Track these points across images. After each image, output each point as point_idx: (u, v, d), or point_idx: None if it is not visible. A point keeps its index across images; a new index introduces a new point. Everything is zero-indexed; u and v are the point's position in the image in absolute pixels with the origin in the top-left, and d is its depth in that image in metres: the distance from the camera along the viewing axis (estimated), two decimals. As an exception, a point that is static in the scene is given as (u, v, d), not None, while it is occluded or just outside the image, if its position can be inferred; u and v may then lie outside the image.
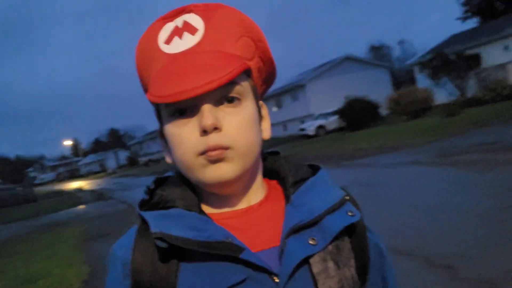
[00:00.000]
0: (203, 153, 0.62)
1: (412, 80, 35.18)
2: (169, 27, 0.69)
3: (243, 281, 0.62)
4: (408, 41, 76.87)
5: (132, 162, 60.56)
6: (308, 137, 27.67)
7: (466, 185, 6.56)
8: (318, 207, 0.68)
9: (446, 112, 17.28)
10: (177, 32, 0.68)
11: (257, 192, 0.74)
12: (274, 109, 37.80)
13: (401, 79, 51.15)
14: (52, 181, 78.65)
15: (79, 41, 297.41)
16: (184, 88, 0.58)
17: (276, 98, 37.33)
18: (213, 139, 0.62)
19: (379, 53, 65.50)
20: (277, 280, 0.62)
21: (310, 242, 0.65)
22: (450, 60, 22.88)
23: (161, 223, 0.64)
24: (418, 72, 26.74)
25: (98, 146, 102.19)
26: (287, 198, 0.72)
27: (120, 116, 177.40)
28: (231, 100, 0.65)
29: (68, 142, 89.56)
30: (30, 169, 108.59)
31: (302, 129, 29.01)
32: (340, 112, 25.54)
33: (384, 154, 12.25)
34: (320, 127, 28.17)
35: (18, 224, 14.29)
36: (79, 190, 31.06)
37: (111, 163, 76.58)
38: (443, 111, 17.66)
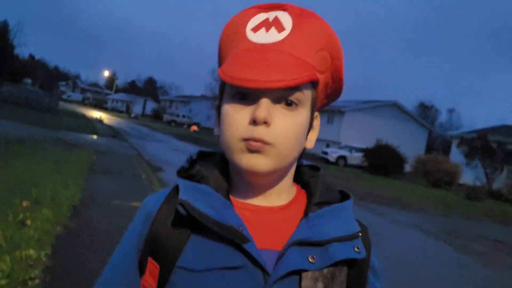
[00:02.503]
0: (246, 139, 0.67)
1: (446, 151, 34.71)
2: (261, 17, 0.73)
3: (239, 267, 0.68)
4: (457, 112, 75.51)
5: (157, 115, 61.10)
6: (328, 162, 27.55)
7: (465, 270, 6.50)
8: (330, 232, 0.71)
9: (470, 194, 17.05)
10: (266, 24, 0.72)
11: (283, 195, 0.78)
12: (307, 122, 37.68)
13: (436, 145, 50.39)
14: (78, 102, 79.85)
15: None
16: (254, 77, 0.63)
17: (313, 114, 37.11)
18: (259, 131, 0.66)
19: (425, 112, 64.79)
20: (266, 278, 0.68)
21: (309, 259, 0.69)
22: (490, 147, 22.56)
23: (190, 193, 0.72)
24: (456, 146, 26.42)
25: (132, 87, 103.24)
26: (306, 213, 0.75)
27: (163, 70, 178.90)
28: (289, 103, 0.69)
29: (106, 73, 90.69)
30: (62, 83, 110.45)
31: (325, 153, 28.90)
32: (367, 152, 25.41)
33: (392, 208, 12.15)
34: (342, 157, 28.02)
35: (33, 129, 14.55)
36: (99, 121, 31.50)
37: (137, 109, 77.33)
38: (466, 192, 17.44)
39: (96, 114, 42.20)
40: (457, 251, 7.75)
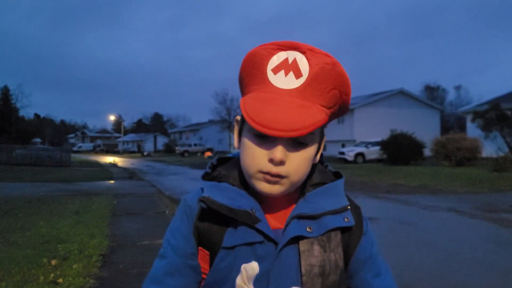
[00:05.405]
0: (264, 172, 0.82)
1: (461, 128, 34.24)
2: (280, 56, 0.83)
3: (256, 242, 0.87)
4: (465, 88, 74.64)
5: (169, 149, 61.44)
6: (346, 162, 27.33)
7: (507, 245, 6.26)
8: (323, 207, 0.90)
9: (494, 166, 16.67)
10: (285, 67, 0.82)
11: None
12: (317, 127, 37.47)
13: (451, 124, 49.86)
14: (89, 151, 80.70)
15: (154, 27, 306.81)
16: (276, 127, 0.74)
17: (321, 117, 36.89)
18: (276, 169, 0.81)
19: (433, 94, 64.24)
20: (275, 246, 0.87)
21: (307, 229, 0.87)
22: (505, 115, 22.14)
23: (212, 191, 0.90)
24: (470, 121, 25.94)
25: (139, 127, 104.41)
26: (303, 193, 0.93)
27: (168, 103, 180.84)
28: (300, 143, 0.83)
29: (112, 117, 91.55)
30: (71, 135, 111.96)
31: (342, 153, 28.72)
32: (383, 144, 25.14)
33: (422, 195, 11.92)
34: (360, 154, 27.80)
35: (50, 185, 14.59)
36: (113, 165, 31.69)
37: (148, 146, 77.92)
38: (491, 165, 17.06)
39: (109, 159, 42.53)
40: (495, 225, 7.52)
